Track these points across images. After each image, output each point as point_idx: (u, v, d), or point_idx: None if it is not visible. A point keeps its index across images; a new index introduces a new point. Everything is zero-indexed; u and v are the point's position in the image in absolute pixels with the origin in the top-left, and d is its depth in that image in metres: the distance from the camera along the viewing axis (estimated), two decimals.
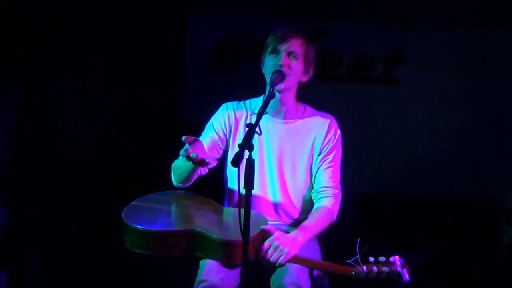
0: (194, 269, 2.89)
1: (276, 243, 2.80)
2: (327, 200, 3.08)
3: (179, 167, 3.03)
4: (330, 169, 3.12)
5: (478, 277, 4.73)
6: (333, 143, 3.13)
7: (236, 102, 3.22)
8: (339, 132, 3.18)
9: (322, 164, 3.12)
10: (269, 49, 3.05)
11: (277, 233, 2.84)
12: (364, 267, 2.67)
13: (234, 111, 3.17)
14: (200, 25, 5.94)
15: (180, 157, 2.78)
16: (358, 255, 2.68)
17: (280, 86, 2.97)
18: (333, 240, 3.26)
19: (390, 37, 5.98)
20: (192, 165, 2.83)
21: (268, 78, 3.03)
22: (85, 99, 5.50)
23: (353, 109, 5.86)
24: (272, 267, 2.85)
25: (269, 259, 2.79)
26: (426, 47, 5.93)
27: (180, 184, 3.09)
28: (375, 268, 2.66)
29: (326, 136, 3.13)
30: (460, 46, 5.90)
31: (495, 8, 5.56)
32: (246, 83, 3.24)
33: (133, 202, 3.02)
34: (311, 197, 3.14)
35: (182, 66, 5.92)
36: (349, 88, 6.05)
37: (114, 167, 5.52)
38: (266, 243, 2.80)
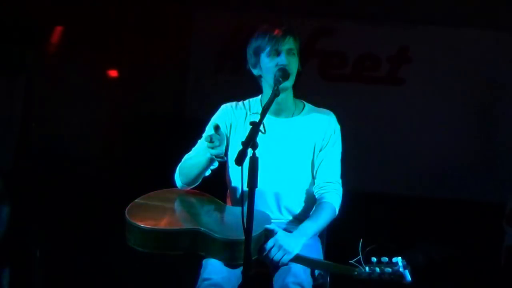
0: (197, 267, 2.90)
1: (279, 242, 2.80)
2: (329, 195, 3.07)
3: (189, 165, 3.04)
4: (331, 164, 3.13)
5: (480, 279, 4.73)
6: (333, 138, 3.14)
7: (235, 102, 3.24)
8: (338, 127, 3.18)
9: (322, 159, 3.12)
10: (267, 50, 3.04)
11: (280, 232, 2.84)
12: (367, 268, 2.67)
13: (234, 111, 3.18)
14: (206, 23, 5.94)
15: (193, 154, 2.95)
16: (360, 256, 2.68)
17: (286, 84, 2.98)
18: (335, 240, 3.26)
19: (396, 36, 5.97)
20: (205, 160, 2.90)
21: (268, 78, 3.04)
22: (89, 97, 5.51)
23: (358, 108, 5.86)
24: (274, 266, 2.86)
25: (272, 258, 2.80)
26: (431, 47, 5.92)
27: (186, 186, 3.12)
28: (377, 269, 2.66)
29: (326, 131, 3.13)
30: (465, 45, 5.89)
31: (502, 9, 5.55)
32: (252, 83, 3.24)
33: (136, 200, 3.02)
34: (313, 193, 3.15)
35: (187, 65, 5.91)
36: (354, 88, 6.04)
37: (118, 165, 5.53)
38: (269, 243, 2.81)
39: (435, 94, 5.91)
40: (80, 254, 4.62)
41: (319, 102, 3.26)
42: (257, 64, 3.10)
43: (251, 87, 3.25)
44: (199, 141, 3.15)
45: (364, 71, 6.06)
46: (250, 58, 3.12)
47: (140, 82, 5.69)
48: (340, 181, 3.15)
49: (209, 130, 3.15)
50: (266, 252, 2.80)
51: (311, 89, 3.22)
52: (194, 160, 3.03)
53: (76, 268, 4.47)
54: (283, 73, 2.95)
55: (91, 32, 5.42)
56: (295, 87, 3.16)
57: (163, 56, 5.69)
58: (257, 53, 3.08)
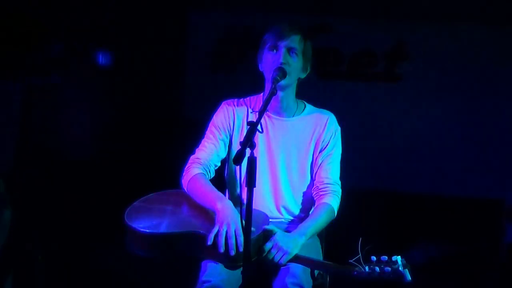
0: (196, 269, 2.90)
1: (278, 243, 2.80)
2: (328, 197, 3.08)
3: (197, 192, 3.00)
4: (330, 165, 3.14)
5: (480, 276, 4.73)
6: (333, 139, 3.15)
7: (236, 99, 3.23)
8: (338, 128, 3.19)
9: (322, 160, 3.13)
10: (268, 45, 3.05)
11: (279, 233, 2.84)
12: (366, 267, 2.67)
13: (235, 109, 3.17)
14: (201, 23, 5.93)
15: (206, 187, 2.94)
16: (360, 255, 2.67)
17: (282, 83, 2.97)
18: (334, 239, 3.26)
19: (392, 33, 5.96)
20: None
21: (267, 75, 3.04)
22: (87, 98, 5.50)
23: (355, 105, 5.85)
24: (274, 267, 2.85)
25: (271, 259, 2.79)
26: (428, 43, 5.91)
27: None
28: (377, 268, 2.65)
29: (325, 132, 3.14)
30: (462, 42, 5.88)
31: (499, 5, 5.54)
32: (248, 81, 3.24)
33: (135, 203, 3.01)
34: (312, 193, 3.15)
35: (183, 65, 5.91)
36: (351, 85, 6.03)
37: (116, 167, 5.52)
38: (268, 243, 2.81)
39: (432, 90, 5.90)
40: (81, 257, 4.61)
41: (315, 99, 3.26)
42: (260, 59, 3.10)
43: (248, 86, 3.25)
44: (204, 141, 3.14)
45: (361, 68, 6.05)
46: (258, 52, 3.12)
47: (137, 84, 5.68)
48: (339, 182, 3.15)
49: (213, 127, 3.15)
50: (266, 253, 2.80)
51: (306, 87, 3.21)
52: (203, 193, 2.98)
53: (76, 271, 4.46)
54: (279, 71, 2.95)
55: (87, 35, 5.41)
56: (297, 87, 3.15)
57: (160, 57, 5.69)
58: (262, 47, 3.08)
